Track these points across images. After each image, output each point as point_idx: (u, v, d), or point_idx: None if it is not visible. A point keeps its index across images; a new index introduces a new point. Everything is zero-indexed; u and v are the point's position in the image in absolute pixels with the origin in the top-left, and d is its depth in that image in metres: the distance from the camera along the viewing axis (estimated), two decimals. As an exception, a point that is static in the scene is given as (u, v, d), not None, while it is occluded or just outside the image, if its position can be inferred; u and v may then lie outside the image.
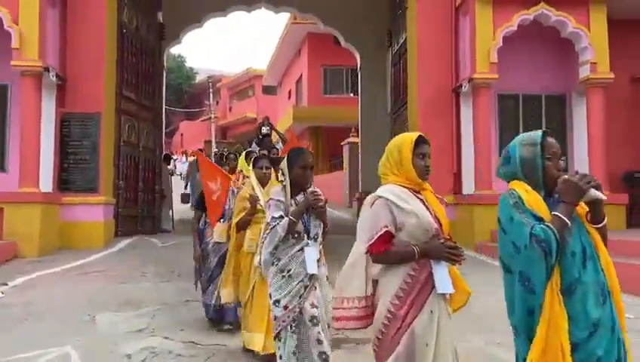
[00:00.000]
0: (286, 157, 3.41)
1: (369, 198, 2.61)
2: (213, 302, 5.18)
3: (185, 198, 15.11)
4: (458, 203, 9.77)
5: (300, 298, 3.21)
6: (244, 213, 4.64)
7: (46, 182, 9.13)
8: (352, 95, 22.90)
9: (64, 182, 9.57)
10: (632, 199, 9.78)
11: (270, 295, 3.29)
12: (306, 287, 3.23)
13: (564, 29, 9.70)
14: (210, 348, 4.73)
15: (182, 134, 42.24)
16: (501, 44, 9.54)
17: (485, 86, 9.70)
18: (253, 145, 10.65)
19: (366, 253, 2.54)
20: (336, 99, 23.91)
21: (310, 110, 23.84)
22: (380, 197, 2.54)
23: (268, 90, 33.78)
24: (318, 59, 24.07)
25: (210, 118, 36.39)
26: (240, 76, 38.32)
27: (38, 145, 9.04)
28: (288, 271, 3.24)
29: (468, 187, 9.85)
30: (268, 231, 3.24)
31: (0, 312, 5.72)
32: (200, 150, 16.60)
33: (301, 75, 25.98)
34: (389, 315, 2.44)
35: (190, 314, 5.80)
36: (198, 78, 44.66)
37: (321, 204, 3.30)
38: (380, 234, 2.47)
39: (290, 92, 28.74)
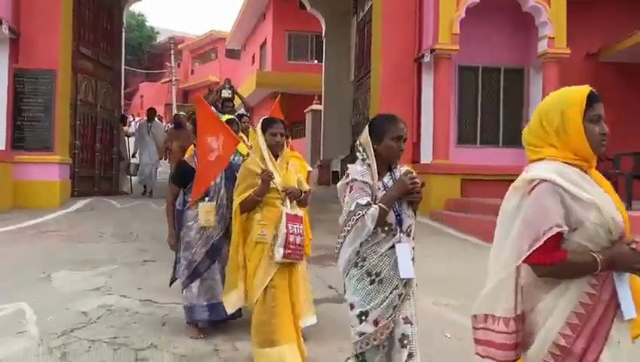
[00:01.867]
0: (368, 126, 2.74)
1: (521, 181, 1.87)
2: (203, 302, 4.22)
3: (131, 169, 12.38)
4: (416, 171, 9.97)
5: (394, 309, 2.57)
6: (251, 191, 3.56)
7: (-2, 139, 8.87)
8: (316, 62, 22.79)
9: (17, 140, 9.31)
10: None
11: (352, 305, 2.60)
12: (400, 296, 2.58)
13: (525, 2, 9.88)
14: (167, 306, 4.79)
15: (142, 96, 41.22)
16: (464, 16, 9.66)
17: (446, 57, 9.84)
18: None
19: (525, 261, 1.81)
20: (301, 65, 23.75)
21: (274, 76, 23.61)
22: (546, 180, 1.79)
23: (231, 53, 33.21)
24: (283, 24, 23.76)
25: (171, 80, 35.60)
26: (203, 38, 37.50)
27: (-11, 100, 8.74)
28: (378, 274, 2.56)
29: (426, 156, 10.07)
30: (353, 223, 2.53)
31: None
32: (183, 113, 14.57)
33: (265, 39, 25.62)
34: (557, 352, 1.78)
35: (147, 274, 5.83)
36: (160, 39, 43.40)
37: (418, 188, 2.64)
38: (549, 236, 1.75)
39: (254, 56, 28.34)
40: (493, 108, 10.86)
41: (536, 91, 10.60)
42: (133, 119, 21.91)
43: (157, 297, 5.00)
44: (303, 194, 3.70)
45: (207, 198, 4.14)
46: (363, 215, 2.50)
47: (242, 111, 8.95)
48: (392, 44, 10.37)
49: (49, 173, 9.23)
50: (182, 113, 14.48)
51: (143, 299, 4.95)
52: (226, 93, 10.33)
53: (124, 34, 13.34)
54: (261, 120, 3.76)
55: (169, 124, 17.85)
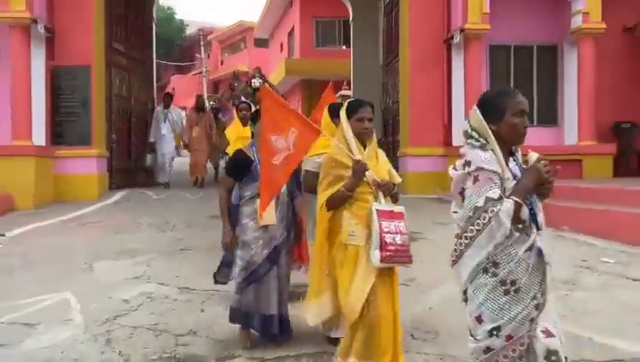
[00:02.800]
0: (478, 106, 2.33)
1: None
2: (258, 310, 3.78)
3: (147, 160, 11.87)
4: (448, 154, 9.89)
5: (531, 322, 2.21)
6: (340, 186, 3.16)
7: (39, 135, 9.17)
8: (344, 47, 22.65)
9: (57, 136, 9.61)
10: (619, 149, 9.95)
11: (479, 319, 2.23)
12: (537, 306, 2.22)
13: (557, -22, 9.62)
14: (204, 293, 4.91)
15: (173, 88, 41.70)
16: (493, -6, 9.48)
17: (477, 37, 9.68)
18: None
19: None
20: (329, 51, 23.65)
21: (302, 63, 23.59)
22: None
23: (260, 42, 33.27)
24: (310, 10, 23.65)
25: (201, 71, 35.94)
26: (231, 28, 37.63)
27: (29, 98, 9.03)
28: (513, 283, 2.19)
29: (458, 139, 9.95)
30: (484, 221, 2.15)
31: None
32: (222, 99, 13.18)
33: (293, 26, 25.57)
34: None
35: (184, 262, 5.97)
36: (189, 31, 43.80)
37: (552, 178, 2.26)
38: None
39: (282, 44, 28.34)
40: (526, 87, 10.62)
41: (570, 68, 10.34)
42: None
43: (194, 284, 5.13)
44: (395, 187, 3.28)
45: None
46: (497, 212, 2.13)
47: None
48: (421, 26, 10.25)
49: (88, 166, 9.50)
50: (212, 103, 14.36)
51: (181, 287, 5.08)
52: (256, 83, 9.94)
53: (154, 28, 13.54)
54: (346, 103, 3.36)
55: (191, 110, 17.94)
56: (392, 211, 3.08)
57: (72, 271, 5.55)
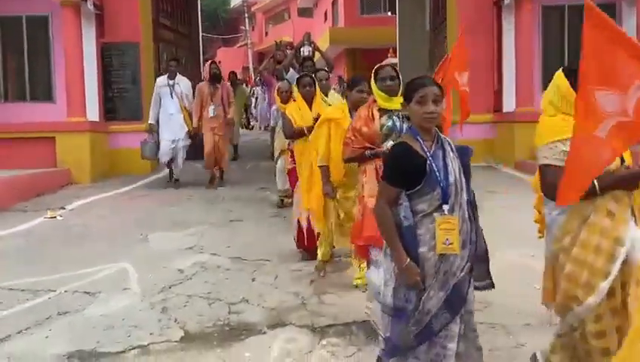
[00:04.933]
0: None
1: None
2: None
3: (146, 150, 8.51)
4: (498, 121, 9.63)
5: None
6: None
7: (92, 111, 9.46)
8: (389, 14, 22.16)
9: (109, 111, 9.90)
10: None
11: None
12: None
13: None
14: (255, 263, 5.02)
15: (219, 61, 41.76)
16: (547, -49, 9.02)
17: (529, -3, 9.27)
18: (291, 72, 7.96)
19: None
20: (374, 19, 23.20)
21: (347, 31, 23.26)
22: None
23: (304, 12, 32.96)
24: (355, -24, 23.25)
25: (246, 43, 36.02)
26: (275, -1, 37.42)
27: (82, 75, 9.31)
28: None
29: (509, 104, 9.66)
30: None
31: (60, 233, 6.17)
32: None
33: (337, -6, 25.21)
34: None
35: (235, 233, 6.10)
36: (233, 3, 43.84)
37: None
38: None
39: (325, 13, 28.00)
40: (580, 49, 10.14)
41: (630, 28, 9.76)
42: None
43: (245, 254, 5.24)
44: None
45: (445, 205, 2.40)
46: None
47: (293, 74, 7.67)
48: (469, -13, 9.89)
49: (139, 140, 9.76)
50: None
51: (233, 257, 5.21)
52: (305, 51, 8.64)
53: (199, 1, 13.60)
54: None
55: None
56: None
57: (129, 242, 5.77)
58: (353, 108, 4.04)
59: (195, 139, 8.47)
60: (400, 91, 3.47)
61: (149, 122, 8.47)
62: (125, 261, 5.08)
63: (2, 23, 9.64)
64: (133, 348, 3.42)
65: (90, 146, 9.06)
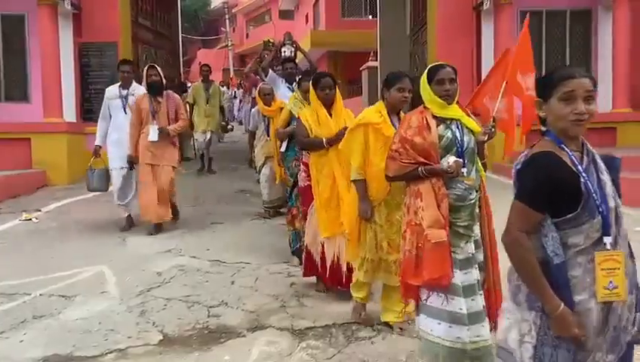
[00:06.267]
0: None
1: None
2: None
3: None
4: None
5: None
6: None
7: (69, 112, 9.33)
8: (370, 17, 22.28)
9: (87, 112, 9.74)
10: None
11: None
12: None
13: (592, -63, 9.23)
14: (235, 266, 4.99)
15: (200, 63, 41.87)
16: (525, -43, 9.16)
17: (507, 2, 9.41)
18: (270, 73, 7.25)
19: None
20: (355, 22, 23.30)
21: (328, 34, 23.32)
22: None
23: (285, 14, 32.96)
24: (336, -21, 23.33)
25: (227, 45, 35.88)
26: (256, 1, 37.35)
27: (59, 75, 9.16)
28: None
29: (488, 108, 9.77)
30: None
31: (36, 235, 6.06)
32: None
33: (318, -3, 25.26)
34: None
35: (214, 236, 6.06)
36: (214, 4, 43.65)
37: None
38: None
39: (307, 16, 28.03)
40: (558, 54, 10.31)
41: (605, 34, 9.97)
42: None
43: (225, 257, 5.21)
44: None
45: (606, 237, 1.85)
46: None
47: (273, 76, 7.09)
48: (449, -8, 9.99)
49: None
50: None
51: (212, 260, 5.17)
52: (287, 52, 8.08)
53: (179, 2, 13.50)
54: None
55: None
56: None
57: (107, 244, 5.69)
58: (392, 111, 3.49)
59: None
60: (457, 97, 3.01)
61: (95, 144, 6.42)
62: (103, 264, 5.01)
63: (-23, 21, 9.45)
64: (111, 352, 3.37)
65: (67, 147, 8.91)
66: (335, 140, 3.90)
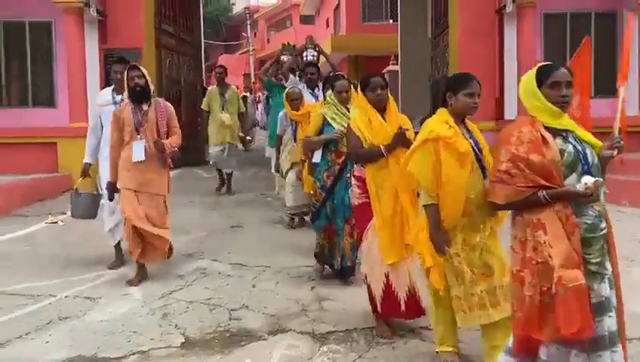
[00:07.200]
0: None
1: None
2: None
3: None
4: (500, 128, 9.63)
5: None
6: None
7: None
8: (391, 22, 22.25)
9: (111, 117, 9.87)
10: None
11: None
12: None
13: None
14: (256, 269, 5.02)
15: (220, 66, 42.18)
16: (548, -42, 9.06)
17: (530, 5, 9.30)
18: (291, 78, 7.44)
19: None
20: (376, 26, 23.28)
21: (349, 38, 23.34)
22: None
23: (306, 19, 33.11)
24: (357, -17, 23.35)
25: (248, 50, 36.13)
26: (277, 6, 37.62)
27: (84, 81, 9.32)
28: None
29: (510, 112, 9.66)
30: None
31: (61, 238, 6.17)
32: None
33: (339, 2, 25.30)
34: None
35: (235, 239, 6.10)
36: (235, 10, 44.03)
37: None
38: None
39: (327, 21, 28.11)
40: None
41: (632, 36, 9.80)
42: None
43: (246, 261, 5.24)
44: None
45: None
46: None
47: (293, 80, 7.07)
48: (471, -5, 9.92)
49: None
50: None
51: (233, 263, 5.21)
52: (309, 55, 7.91)
53: (202, 8, 13.64)
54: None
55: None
56: None
57: (130, 247, 5.75)
58: (458, 119, 3.00)
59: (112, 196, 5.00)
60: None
61: (84, 161, 5.37)
62: (126, 266, 5.08)
63: (6, 28, 9.67)
64: (134, 354, 3.41)
65: (92, 152, 9.05)
66: (394, 145, 3.44)
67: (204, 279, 4.80)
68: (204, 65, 13.83)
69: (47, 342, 3.60)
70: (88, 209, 5.27)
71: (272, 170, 6.97)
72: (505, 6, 9.58)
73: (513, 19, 9.61)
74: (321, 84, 5.82)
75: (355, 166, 3.82)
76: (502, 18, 9.82)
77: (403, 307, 3.53)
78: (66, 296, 4.38)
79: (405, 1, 15.31)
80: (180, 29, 11.63)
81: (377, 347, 3.45)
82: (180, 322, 3.87)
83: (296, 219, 6.51)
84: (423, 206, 3.01)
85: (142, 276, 4.76)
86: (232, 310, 4.07)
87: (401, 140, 3.41)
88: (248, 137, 9.58)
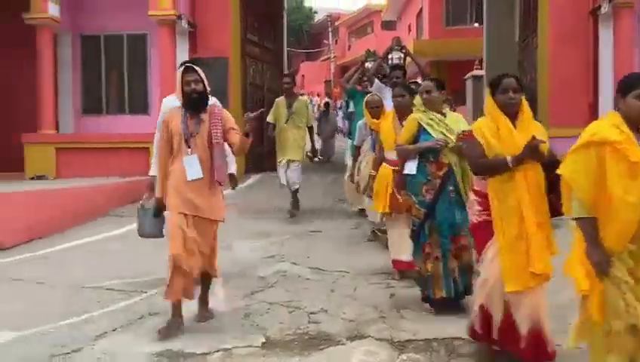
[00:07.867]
0: None
1: None
2: None
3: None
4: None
5: None
6: None
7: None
8: (476, 25, 21.72)
9: (199, 123, 10.33)
10: None
11: None
12: None
13: None
14: (334, 274, 5.05)
15: (303, 75, 42.90)
16: (649, -44, 8.50)
17: (628, 6, 8.76)
18: (376, 83, 6.95)
19: None
20: (459, 30, 22.81)
21: (431, 43, 23.02)
22: None
23: (387, 25, 32.98)
24: (441, -12, 23.02)
25: (329, 57, 36.54)
26: (358, 13, 37.77)
27: (175, 89, 9.81)
28: None
29: (604, 118, 9.15)
30: None
31: (151, 239, 6.49)
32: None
33: (421, 7, 25.02)
34: None
35: (314, 244, 6.17)
36: (317, 18, 44.68)
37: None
38: None
39: (409, 26, 27.88)
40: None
41: None
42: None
43: (324, 265, 5.29)
44: None
45: None
46: None
47: (378, 86, 6.58)
48: (562, -4, 9.50)
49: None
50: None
51: (312, 267, 5.27)
52: (395, 58, 7.15)
53: (285, 17, 13.98)
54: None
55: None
56: None
57: (214, 248, 5.97)
58: (631, 125, 2.52)
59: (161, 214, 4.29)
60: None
61: (150, 174, 4.90)
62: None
63: (106, 41, 10.40)
64: (217, 351, 3.53)
65: (181, 157, 9.52)
66: (523, 157, 2.95)
67: (285, 281, 4.90)
68: (286, 73, 14.11)
69: (138, 336, 3.80)
70: (154, 226, 4.62)
71: (345, 177, 6.93)
72: (599, 7, 9.09)
73: (609, 21, 9.11)
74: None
75: (475, 178, 3.43)
76: (597, 20, 9.32)
77: (523, 344, 3.00)
78: (156, 293, 4.60)
79: (491, 3, 14.90)
80: (264, 38, 11.99)
81: (458, 359, 3.37)
82: (261, 322, 3.97)
83: (381, 235, 5.97)
84: (576, 218, 2.57)
85: (177, 321, 3.86)
86: (311, 313, 4.12)
87: (532, 152, 2.91)
88: (316, 158, 8.64)
